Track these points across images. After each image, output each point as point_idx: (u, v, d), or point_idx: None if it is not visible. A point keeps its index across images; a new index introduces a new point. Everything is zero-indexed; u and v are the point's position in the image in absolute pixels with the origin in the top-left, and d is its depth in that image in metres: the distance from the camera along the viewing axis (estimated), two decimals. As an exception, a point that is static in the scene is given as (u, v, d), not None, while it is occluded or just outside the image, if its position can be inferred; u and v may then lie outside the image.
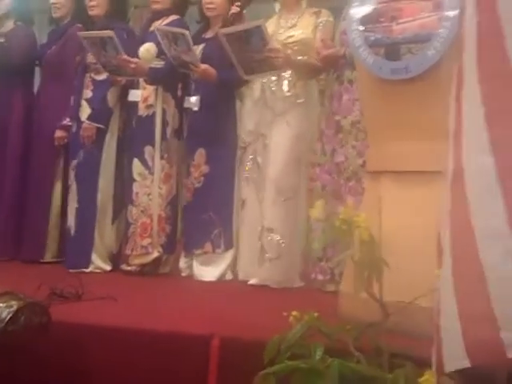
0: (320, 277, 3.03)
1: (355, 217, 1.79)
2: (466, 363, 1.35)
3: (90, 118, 3.62)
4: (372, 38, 2.35)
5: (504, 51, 1.45)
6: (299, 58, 3.19)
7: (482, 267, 1.42)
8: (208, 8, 3.51)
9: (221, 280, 3.36)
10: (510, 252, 1.40)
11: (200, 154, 3.46)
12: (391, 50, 2.29)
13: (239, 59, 3.15)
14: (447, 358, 1.42)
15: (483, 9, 1.51)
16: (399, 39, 2.28)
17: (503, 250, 1.41)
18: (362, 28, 2.38)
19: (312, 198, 3.09)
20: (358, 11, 2.40)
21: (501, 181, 1.42)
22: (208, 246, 3.40)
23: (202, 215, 3.42)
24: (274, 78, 3.29)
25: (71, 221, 3.62)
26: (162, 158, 3.51)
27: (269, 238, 3.16)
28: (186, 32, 3.25)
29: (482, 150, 1.45)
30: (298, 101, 3.24)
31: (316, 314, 1.75)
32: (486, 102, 1.46)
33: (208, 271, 3.40)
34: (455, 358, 1.39)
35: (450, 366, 1.41)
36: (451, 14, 2.12)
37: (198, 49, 3.49)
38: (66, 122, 3.76)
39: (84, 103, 3.66)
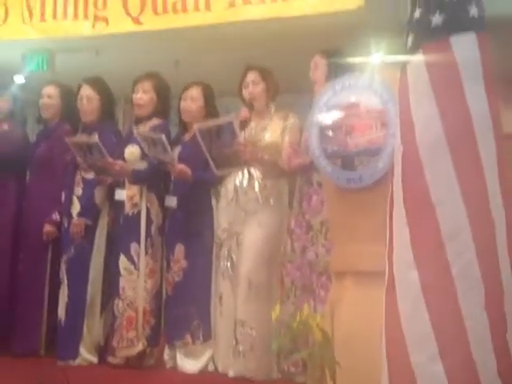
0: (292, 369, 3.19)
1: (311, 318, 1.99)
2: None
3: (79, 214, 3.83)
4: (329, 150, 2.59)
5: (423, 178, 1.70)
6: (266, 157, 3.45)
7: (412, 368, 1.63)
8: (185, 111, 3.82)
9: (203, 372, 3.51)
10: (436, 355, 1.61)
11: (179, 250, 3.68)
12: (346, 161, 2.54)
13: (212, 153, 3.39)
14: None
15: (405, 140, 1.78)
16: (353, 152, 2.52)
17: (430, 353, 1.62)
18: (320, 140, 2.64)
19: (284, 292, 3.27)
20: (317, 123, 2.67)
21: (424, 292, 1.64)
22: (188, 338, 3.58)
23: (182, 308, 3.60)
24: (245, 180, 3.54)
25: (62, 314, 3.78)
26: (146, 253, 3.71)
27: (242, 330, 3.34)
28: (162, 136, 3.50)
29: (408, 266, 1.68)
30: (269, 201, 3.49)
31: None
32: (409, 222, 1.70)
33: (190, 363, 3.57)
34: None
35: None
36: (395, 132, 2.39)
37: (177, 150, 3.76)
38: (55, 217, 3.95)
39: (75, 200, 3.88)
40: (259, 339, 3.30)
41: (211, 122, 3.43)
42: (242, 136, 3.39)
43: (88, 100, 3.99)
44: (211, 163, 3.42)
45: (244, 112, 3.53)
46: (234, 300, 3.45)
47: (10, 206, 4.18)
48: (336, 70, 3.28)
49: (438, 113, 1.66)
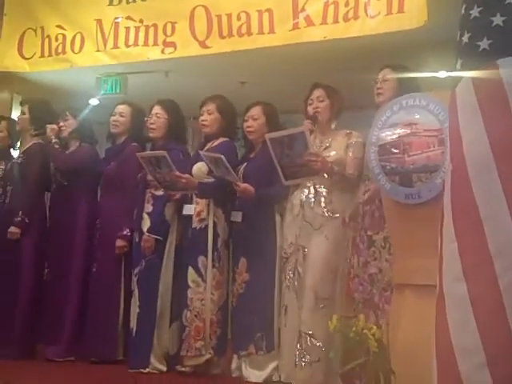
0: (357, 382, 3.26)
1: (366, 328, 2.09)
2: None
3: (149, 230, 4.03)
4: (388, 167, 2.70)
5: (471, 194, 1.78)
6: (336, 168, 3.56)
7: (460, 377, 1.70)
8: (248, 131, 3.99)
9: (267, 382, 3.64)
10: (484, 364, 1.68)
11: (242, 263, 3.83)
12: (404, 178, 2.64)
13: (281, 164, 3.51)
14: None
15: (454, 157, 1.86)
16: (411, 169, 2.62)
17: (478, 362, 1.69)
18: (379, 157, 2.74)
19: (353, 307, 3.34)
20: (376, 141, 2.77)
21: (472, 304, 1.71)
22: (251, 348, 3.71)
23: (246, 319, 3.74)
24: (311, 195, 3.65)
25: (133, 323, 3.97)
26: (213, 266, 3.87)
27: (307, 342, 3.45)
28: (222, 157, 3.66)
29: (457, 278, 1.76)
30: (335, 216, 3.59)
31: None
32: (458, 236, 1.78)
33: (255, 373, 3.70)
34: None
35: None
36: (452, 149, 2.48)
37: (242, 167, 3.93)
38: (126, 232, 4.16)
39: (145, 216, 4.08)
40: (324, 351, 3.38)
41: (283, 132, 3.56)
42: (313, 146, 3.51)
43: (156, 117, 4.20)
44: (280, 173, 3.54)
45: (308, 124, 3.65)
46: (298, 312, 3.55)
47: (81, 218, 4.41)
48: (403, 86, 3.38)
49: (485, 130, 1.74)
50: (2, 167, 4.69)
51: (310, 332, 3.46)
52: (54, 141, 4.43)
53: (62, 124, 4.50)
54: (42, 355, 4.31)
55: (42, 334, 4.36)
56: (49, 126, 4.45)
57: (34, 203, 4.50)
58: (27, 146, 4.63)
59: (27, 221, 4.40)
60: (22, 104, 4.75)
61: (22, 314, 4.35)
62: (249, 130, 3.98)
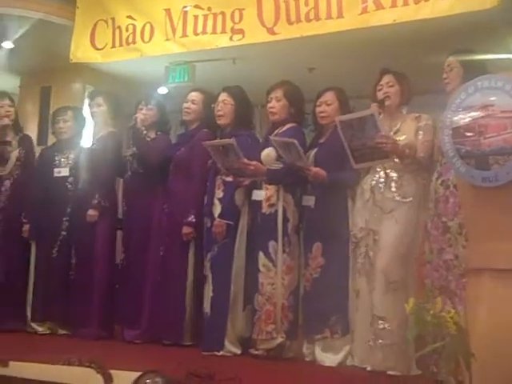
0: (434, 368, 3.24)
1: (444, 311, 2.08)
2: None
3: (220, 215, 4.09)
4: (463, 150, 2.66)
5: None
6: (407, 151, 3.54)
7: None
8: (321, 117, 3.99)
9: (341, 365, 3.66)
10: None
11: (317, 247, 3.84)
12: (481, 161, 2.60)
13: (351, 147, 3.51)
14: None
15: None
16: (487, 151, 2.58)
17: None
18: (453, 140, 2.71)
19: (424, 293, 3.33)
20: (450, 124, 2.73)
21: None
22: (326, 332, 3.73)
23: (320, 303, 3.76)
24: (382, 180, 3.64)
25: (207, 307, 4.05)
26: (284, 251, 3.90)
27: (380, 325, 3.46)
28: (295, 141, 3.68)
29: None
30: (405, 200, 3.57)
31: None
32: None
33: (329, 357, 3.72)
34: None
35: None
36: (530, 131, 2.42)
37: (312, 152, 3.94)
38: (191, 218, 4.22)
39: (216, 202, 4.14)
40: (397, 334, 3.38)
41: (353, 115, 3.57)
42: (383, 129, 3.49)
43: (223, 104, 4.25)
44: (350, 157, 3.54)
45: (375, 106, 3.63)
46: (370, 296, 3.56)
47: (157, 205, 4.50)
48: (470, 70, 3.33)
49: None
50: (72, 156, 4.85)
51: (383, 315, 3.47)
52: (144, 132, 4.54)
53: (145, 113, 4.59)
54: (120, 337, 4.46)
55: (119, 317, 4.53)
56: (137, 116, 4.55)
57: (108, 188, 4.65)
58: (101, 135, 4.77)
59: (103, 203, 4.55)
60: (94, 96, 4.86)
61: (98, 296, 4.52)
62: (322, 115, 3.98)
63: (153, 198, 4.53)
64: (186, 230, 4.25)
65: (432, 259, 3.37)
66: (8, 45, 6.20)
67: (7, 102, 4.90)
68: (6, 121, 4.78)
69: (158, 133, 4.66)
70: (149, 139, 4.59)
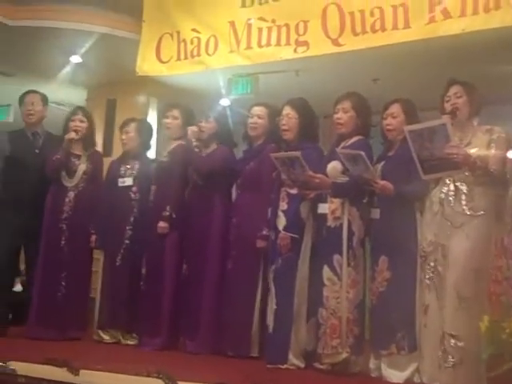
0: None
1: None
2: None
3: (285, 228, 4.06)
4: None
5: None
6: (478, 163, 3.44)
7: None
8: (387, 130, 3.94)
9: (408, 382, 3.57)
10: None
11: (383, 261, 3.77)
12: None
13: (420, 157, 3.44)
14: None
15: None
16: None
17: None
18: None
19: (500, 310, 3.24)
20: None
21: None
22: (393, 348, 3.65)
23: (387, 318, 3.68)
24: (451, 193, 3.55)
25: (270, 320, 4.03)
26: (349, 265, 3.84)
27: (450, 343, 3.36)
28: (362, 153, 3.64)
29: None
30: (476, 214, 3.47)
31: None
32: None
33: (395, 374, 3.64)
34: None
35: None
36: None
37: (380, 165, 3.89)
38: (265, 232, 4.22)
39: (281, 214, 4.12)
40: (468, 352, 3.29)
41: (422, 125, 3.49)
42: (454, 139, 3.42)
43: (287, 118, 4.24)
44: (419, 167, 3.47)
45: (447, 118, 3.55)
46: (439, 312, 3.48)
47: (216, 216, 4.52)
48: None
49: None
50: (137, 166, 4.93)
51: (453, 333, 3.37)
52: (194, 144, 4.58)
53: (203, 126, 4.64)
54: (184, 347, 4.48)
55: (183, 328, 4.54)
56: (190, 129, 4.60)
57: (178, 200, 4.67)
58: (172, 147, 4.82)
59: (174, 216, 4.59)
60: (170, 108, 4.89)
61: (165, 307, 4.54)
62: (388, 127, 3.93)
63: (212, 209, 4.54)
64: (259, 243, 4.25)
65: (509, 276, 3.27)
66: (76, 59, 6.38)
67: (79, 117, 4.99)
68: (73, 135, 4.87)
69: (220, 146, 4.66)
70: (209, 150, 4.63)
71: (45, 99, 5.15)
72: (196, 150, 4.59)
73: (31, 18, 5.91)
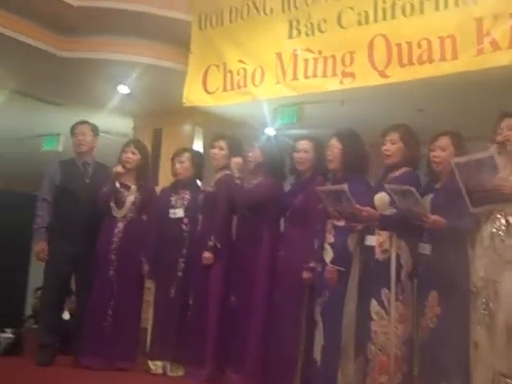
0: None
1: None
2: None
3: (332, 261, 4.04)
4: None
5: None
6: None
7: None
8: (435, 162, 3.91)
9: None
10: None
11: (433, 296, 3.71)
12: None
13: (468, 189, 3.40)
14: None
15: None
16: None
17: None
18: None
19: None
20: None
21: None
22: (445, 385, 3.58)
23: (437, 354, 3.61)
24: (503, 227, 3.48)
25: (317, 355, 4.00)
26: (397, 299, 3.78)
27: (502, 382, 3.29)
28: (413, 189, 3.60)
29: None
30: (530, 248, 3.39)
31: None
32: None
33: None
34: None
35: None
36: None
37: (428, 198, 3.84)
38: (312, 264, 4.19)
39: (327, 247, 4.10)
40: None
41: (470, 157, 3.46)
42: (505, 171, 3.37)
43: (332, 149, 4.25)
44: (467, 199, 3.43)
45: (495, 148, 3.50)
46: (490, 350, 3.40)
47: (264, 248, 4.52)
48: None
49: None
50: (187, 196, 4.97)
51: (505, 371, 3.29)
52: (236, 175, 4.61)
53: (249, 156, 4.67)
54: (229, 380, 4.47)
55: (228, 360, 4.54)
56: (233, 160, 4.64)
57: (223, 231, 4.70)
58: (218, 177, 4.86)
59: (219, 246, 4.61)
60: (217, 139, 4.94)
61: (210, 338, 4.55)
62: (436, 160, 3.89)
63: (260, 241, 4.54)
64: (306, 275, 4.23)
65: None
66: (123, 89, 6.50)
67: (131, 149, 5.08)
68: (119, 168, 4.97)
69: (266, 177, 4.66)
70: (256, 181, 4.65)
71: (95, 130, 5.25)
72: (238, 181, 4.62)
73: (80, 49, 6.04)
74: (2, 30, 5.46)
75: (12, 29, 5.52)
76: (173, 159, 5.18)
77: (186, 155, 5.12)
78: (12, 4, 5.42)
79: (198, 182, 5.23)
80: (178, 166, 5.08)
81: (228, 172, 4.79)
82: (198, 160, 5.20)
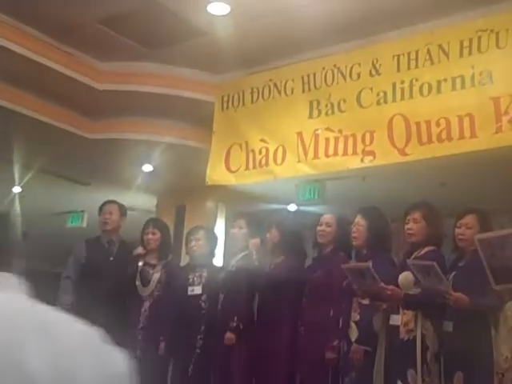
0: None
1: None
2: None
3: (358, 340, 4.01)
4: None
5: None
6: None
7: None
8: (460, 239, 3.92)
9: None
10: None
11: (458, 377, 3.66)
12: None
13: (491, 266, 3.38)
14: None
15: None
16: None
17: None
18: None
19: None
20: None
21: None
22: None
23: None
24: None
25: None
26: (423, 381, 3.72)
27: None
28: (435, 264, 3.60)
29: None
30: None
31: None
32: None
33: None
34: None
35: None
36: None
37: (451, 275, 3.83)
38: (336, 343, 4.16)
39: (353, 325, 4.09)
40: None
41: (493, 233, 3.49)
42: None
43: (357, 226, 4.27)
44: (490, 277, 3.41)
45: None
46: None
47: (286, 330, 4.52)
48: None
49: None
50: (205, 274, 4.99)
51: None
52: (254, 256, 4.64)
53: (268, 236, 4.71)
54: None
55: None
56: (251, 241, 4.69)
57: (246, 311, 4.71)
58: (239, 257, 4.90)
59: (241, 326, 4.60)
60: (236, 218, 5.03)
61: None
62: (461, 237, 3.91)
63: (282, 322, 4.54)
64: (329, 355, 4.20)
65: None
66: (147, 168, 6.64)
67: (150, 229, 5.13)
68: (140, 250, 5.06)
69: (288, 256, 4.68)
70: (277, 261, 4.68)
71: (123, 210, 5.33)
72: (256, 262, 4.64)
73: (105, 130, 6.24)
74: (31, 114, 5.68)
75: (41, 113, 5.74)
76: (187, 237, 5.23)
77: (202, 233, 5.16)
78: (41, 90, 5.64)
79: (215, 260, 5.27)
80: (193, 243, 5.12)
81: (248, 252, 4.83)
82: (212, 238, 5.25)
